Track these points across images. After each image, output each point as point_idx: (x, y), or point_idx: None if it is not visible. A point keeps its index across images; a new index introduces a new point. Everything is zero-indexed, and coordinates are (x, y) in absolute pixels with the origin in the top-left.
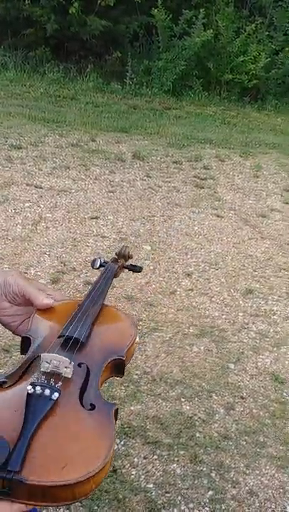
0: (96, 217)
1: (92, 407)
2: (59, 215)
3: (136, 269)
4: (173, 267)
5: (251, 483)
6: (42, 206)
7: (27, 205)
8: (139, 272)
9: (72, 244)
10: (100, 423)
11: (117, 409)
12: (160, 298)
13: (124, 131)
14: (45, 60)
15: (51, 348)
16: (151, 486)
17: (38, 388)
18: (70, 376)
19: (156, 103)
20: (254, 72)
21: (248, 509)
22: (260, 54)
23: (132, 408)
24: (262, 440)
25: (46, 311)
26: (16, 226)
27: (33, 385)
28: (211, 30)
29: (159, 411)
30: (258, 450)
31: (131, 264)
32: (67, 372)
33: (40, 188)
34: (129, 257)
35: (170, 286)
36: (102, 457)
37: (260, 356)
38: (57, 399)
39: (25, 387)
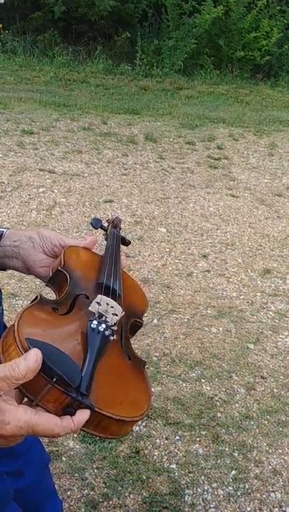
0: (110, 201)
1: (129, 357)
2: (73, 199)
3: (126, 242)
4: (189, 249)
5: (274, 462)
6: (56, 191)
7: (41, 190)
8: (128, 245)
9: (87, 229)
10: (138, 374)
11: (146, 364)
12: (177, 280)
13: (135, 113)
14: (54, 43)
15: (93, 292)
16: (174, 466)
17: (102, 326)
18: (113, 325)
19: (167, 83)
20: (266, 48)
21: (272, 488)
22: (272, 29)
23: (152, 390)
24: (284, 419)
25: (76, 252)
26: (31, 212)
27: (96, 320)
28: (222, 7)
29: (179, 392)
30: (280, 429)
31: (122, 237)
32: (113, 319)
33: (54, 172)
34: (120, 228)
35: (186, 267)
36: (145, 406)
37: (280, 336)
38: (112, 341)
39: (85, 319)
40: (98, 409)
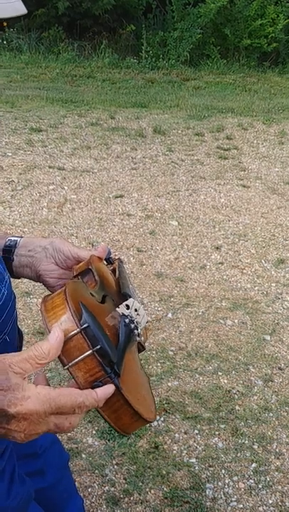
0: (121, 196)
1: (141, 366)
2: (83, 195)
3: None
4: (201, 241)
5: None
6: (66, 188)
7: (51, 187)
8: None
9: (98, 224)
10: (148, 384)
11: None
12: (190, 273)
13: (143, 107)
14: (59, 39)
15: (118, 298)
16: (193, 460)
17: (132, 325)
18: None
19: (173, 75)
20: (273, 35)
21: None
22: (278, 16)
23: (169, 384)
24: None
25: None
26: (42, 209)
27: (129, 319)
28: None
29: (196, 386)
30: None
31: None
32: (137, 325)
33: (63, 169)
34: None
35: (200, 260)
36: (152, 415)
37: None
38: (137, 341)
39: (115, 315)
40: (124, 392)
